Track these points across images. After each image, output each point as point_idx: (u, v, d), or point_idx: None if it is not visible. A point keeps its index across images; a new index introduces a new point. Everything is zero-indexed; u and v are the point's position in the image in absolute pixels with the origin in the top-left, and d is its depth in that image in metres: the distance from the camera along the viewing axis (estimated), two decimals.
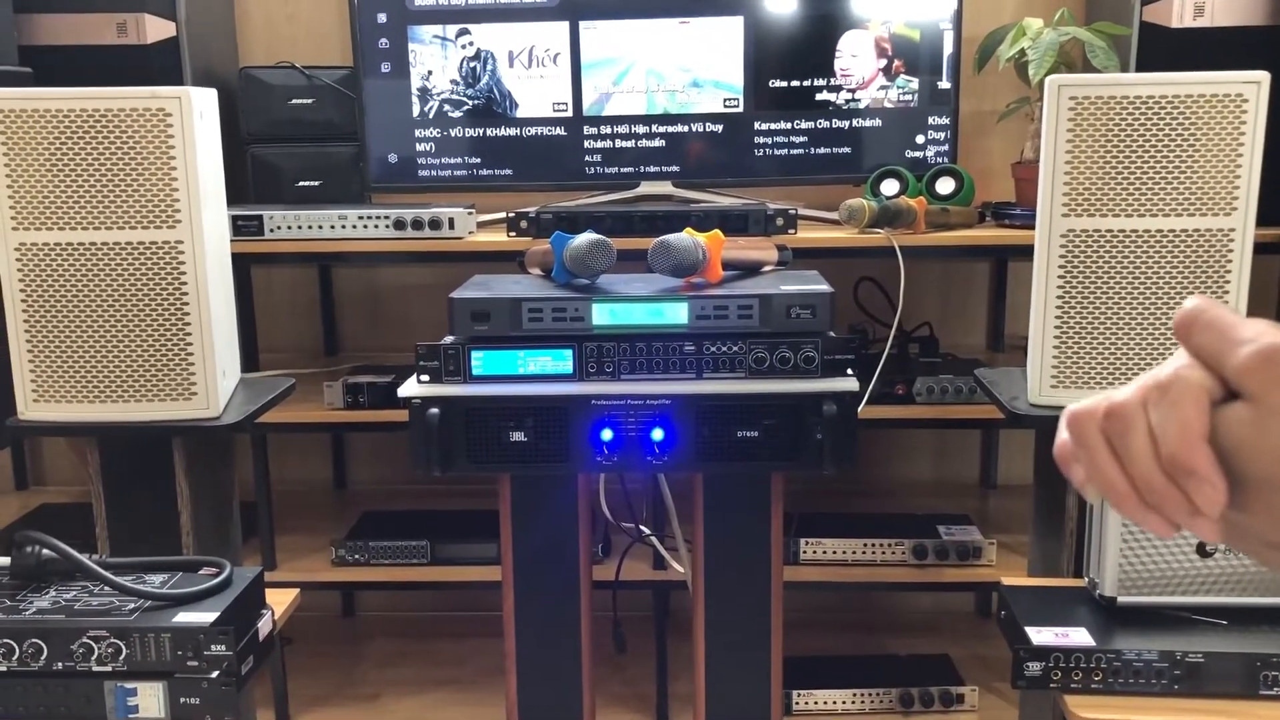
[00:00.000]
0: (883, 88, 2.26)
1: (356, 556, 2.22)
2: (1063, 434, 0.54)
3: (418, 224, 2.08)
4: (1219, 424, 0.48)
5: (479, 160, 2.31)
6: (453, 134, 2.30)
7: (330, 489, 2.73)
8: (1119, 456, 0.50)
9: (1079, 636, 1.39)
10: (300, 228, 2.09)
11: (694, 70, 2.27)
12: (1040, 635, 1.39)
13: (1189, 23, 2.06)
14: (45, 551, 1.41)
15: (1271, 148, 1.56)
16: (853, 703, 2.20)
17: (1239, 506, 0.49)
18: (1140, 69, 2.06)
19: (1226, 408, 0.49)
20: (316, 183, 2.33)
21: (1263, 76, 1.52)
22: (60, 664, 1.30)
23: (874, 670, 2.28)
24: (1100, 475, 0.51)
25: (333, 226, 2.09)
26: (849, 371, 1.48)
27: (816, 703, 2.20)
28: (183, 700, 1.30)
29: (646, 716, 2.30)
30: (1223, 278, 1.56)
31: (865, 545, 2.19)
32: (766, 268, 1.70)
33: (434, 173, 2.31)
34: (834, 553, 2.19)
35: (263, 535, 2.23)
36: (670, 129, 2.29)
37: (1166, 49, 2.06)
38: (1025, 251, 1.69)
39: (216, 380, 1.62)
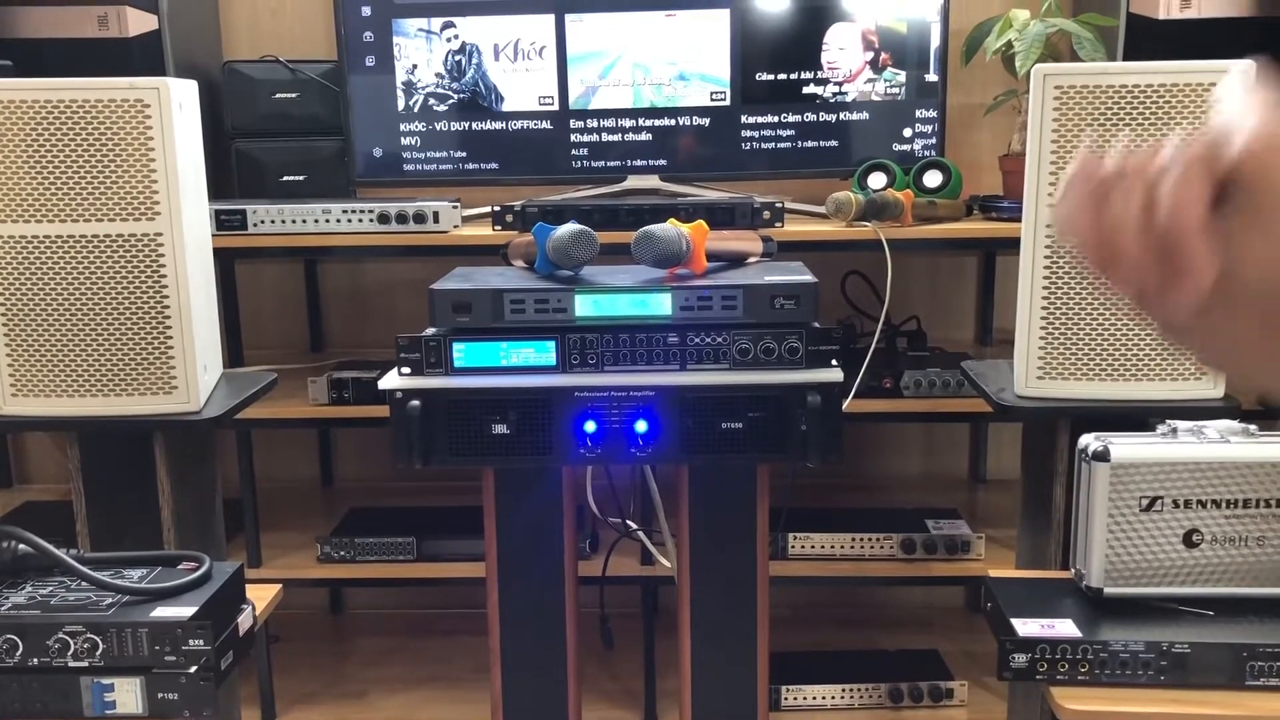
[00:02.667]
0: (870, 81, 2.25)
1: (343, 553, 2.21)
2: (1072, 168, 0.51)
3: (403, 218, 2.07)
4: (1213, 213, 0.46)
5: (464, 154, 2.30)
6: (438, 128, 2.29)
7: (316, 485, 2.72)
8: (1102, 213, 0.48)
9: (1065, 628, 1.38)
10: (284, 222, 2.07)
11: (681, 63, 2.26)
12: (1026, 627, 1.38)
13: (1175, 14, 2.05)
14: (21, 547, 1.39)
15: None
16: (841, 698, 2.19)
17: (1216, 299, 0.46)
18: (1127, 60, 2.06)
19: (1218, 209, 0.46)
20: (301, 177, 2.32)
21: (1248, 65, 1.51)
22: (36, 659, 1.29)
23: (863, 665, 2.28)
24: (1078, 222, 0.50)
25: (317, 221, 2.07)
26: (833, 362, 1.47)
27: (805, 698, 2.19)
28: (160, 695, 1.29)
29: (634, 712, 2.29)
30: None
31: (853, 540, 2.18)
32: (751, 259, 1.69)
33: (419, 167, 2.30)
34: (822, 547, 2.19)
35: (248, 532, 2.22)
36: (657, 122, 2.28)
37: (1153, 40, 2.05)
38: (1013, 244, 1.69)
39: (197, 374, 1.61)
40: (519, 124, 2.28)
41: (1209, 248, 0.45)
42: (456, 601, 2.69)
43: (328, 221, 2.07)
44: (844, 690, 2.19)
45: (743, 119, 2.28)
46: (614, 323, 1.47)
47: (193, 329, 1.59)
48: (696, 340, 1.47)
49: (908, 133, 2.27)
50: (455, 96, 2.28)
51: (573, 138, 2.28)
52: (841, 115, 2.27)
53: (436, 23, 2.25)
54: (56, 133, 1.51)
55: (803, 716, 2.19)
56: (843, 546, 2.19)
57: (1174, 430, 1.46)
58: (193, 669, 1.29)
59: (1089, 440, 1.44)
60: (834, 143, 2.28)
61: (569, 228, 1.53)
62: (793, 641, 2.41)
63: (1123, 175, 0.48)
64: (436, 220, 2.08)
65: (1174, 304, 0.47)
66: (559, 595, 1.64)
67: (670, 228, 1.51)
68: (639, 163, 2.29)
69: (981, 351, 2.48)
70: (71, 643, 1.28)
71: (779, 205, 2.05)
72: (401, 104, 2.28)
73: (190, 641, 1.28)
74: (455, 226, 2.10)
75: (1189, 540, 1.42)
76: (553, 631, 1.65)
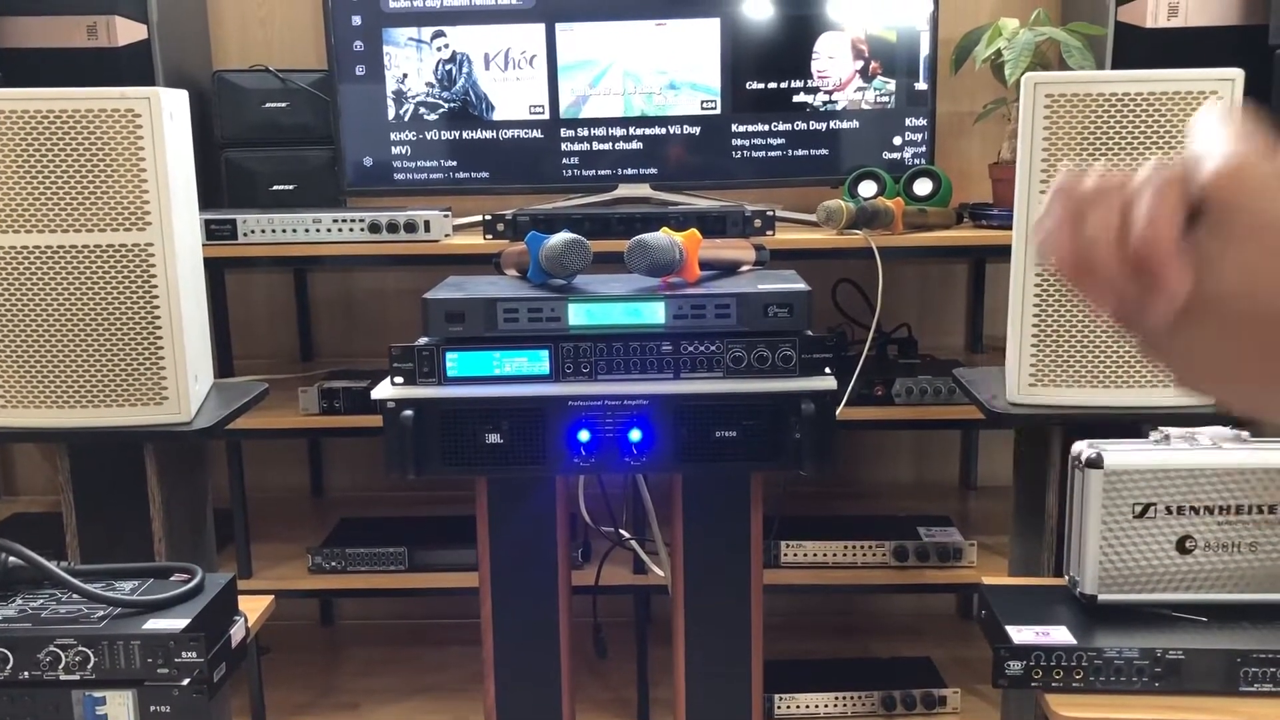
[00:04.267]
0: (860, 89, 2.26)
1: (334, 564, 2.20)
2: (1052, 192, 0.52)
3: (393, 227, 2.07)
4: (1190, 237, 0.47)
5: (455, 163, 2.30)
6: (428, 137, 2.28)
7: (307, 496, 2.71)
8: (1080, 227, 0.49)
9: (1060, 635, 1.38)
10: (275, 231, 2.07)
11: (671, 72, 2.26)
12: (1021, 634, 1.38)
13: (1163, 23, 2.07)
14: (12, 559, 1.38)
15: None
16: (834, 706, 2.19)
17: (1188, 316, 0.47)
18: (1115, 69, 2.07)
19: (1193, 228, 0.47)
20: (291, 187, 2.31)
21: (1236, 73, 1.52)
22: (27, 673, 1.28)
23: (855, 673, 2.27)
24: (1056, 240, 0.50)
25: (307, 230, 2.07)
26: (827, 370, 1.48)
27: (798, 706, 2.18)
28: (153, 709, 1.28)
29: None
30: None
31: (845, 547, 2.18)
32: (744, 267, 1.70)
33: (410, 176, 2.30)
34: (814, 555, 2.19)
35: (238, 543, 2.21)
36: (647, 131, 2.28)
37: (1141, 49, 2.06)
38: (1003, 252, 1.69)
39: (188, 385, 1.60)
40: (510, 133, 2.28)
41: (1182, 264, 0.46)
42: (448, 612, 2.68)
43: (318, 231, 2.07)
44: (837, 698, 2.19)
45: (733, 127, 2.28)
46: (607, 332, 1.47)
47: (184, 339, 1.58)
48: (690, 349, 1.47)
49: (898, 141, 2.28)
50: (446, 106, 2.27)
51: (563, 146, 2.28)
52: (831, 124, 2.28)
53: (427, 32, 2.25)
54: (47, 143, 1.51)
55: None
56: (835, 554, 2.19)
57: (1166, 437, 1.46)
58: (185, 681, 1.28)
59: (1082, 447, 1.45)
60: (824, 151, 2.29)
61: (562, 237, 1.53)
62: (785, 650, 2.40)
63: (1100, 194, 0.49)
64: (427, 229, 2.07)
65: (1150, 318, 0.48)
66: (553, 605, 1.63)
67: (663, 236, 1.51)
68: (630, 171, 2.29)
69: (972, 359, 2.49)
70: (63, 656, 1.27)
71: (770, 213, 2.05)
72: (392, 113, 2.27)
73: (183, 654, 1.28)
74: (446, 235, 2.10)
75: (1182, 547, 1.42)
76: (546, 641, 1.64)
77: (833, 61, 2.25)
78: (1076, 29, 2.07)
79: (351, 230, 2.07)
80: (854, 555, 2.18)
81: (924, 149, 2.27)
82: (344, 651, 2.63)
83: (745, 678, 1.66)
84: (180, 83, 2.09)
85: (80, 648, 1.28)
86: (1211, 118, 0.49)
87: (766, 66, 2.26)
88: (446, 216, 2.10)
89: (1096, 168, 0.52)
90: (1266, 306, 0.46)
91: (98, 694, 1.28)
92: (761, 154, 2.28)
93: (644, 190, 2.28)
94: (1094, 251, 0.48)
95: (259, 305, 2.64)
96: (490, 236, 2.06)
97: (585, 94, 2.27)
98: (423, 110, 2.27)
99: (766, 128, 2.28)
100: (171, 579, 1.41)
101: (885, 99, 2.26)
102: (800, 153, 2.28)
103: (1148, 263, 0.47)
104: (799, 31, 2.25)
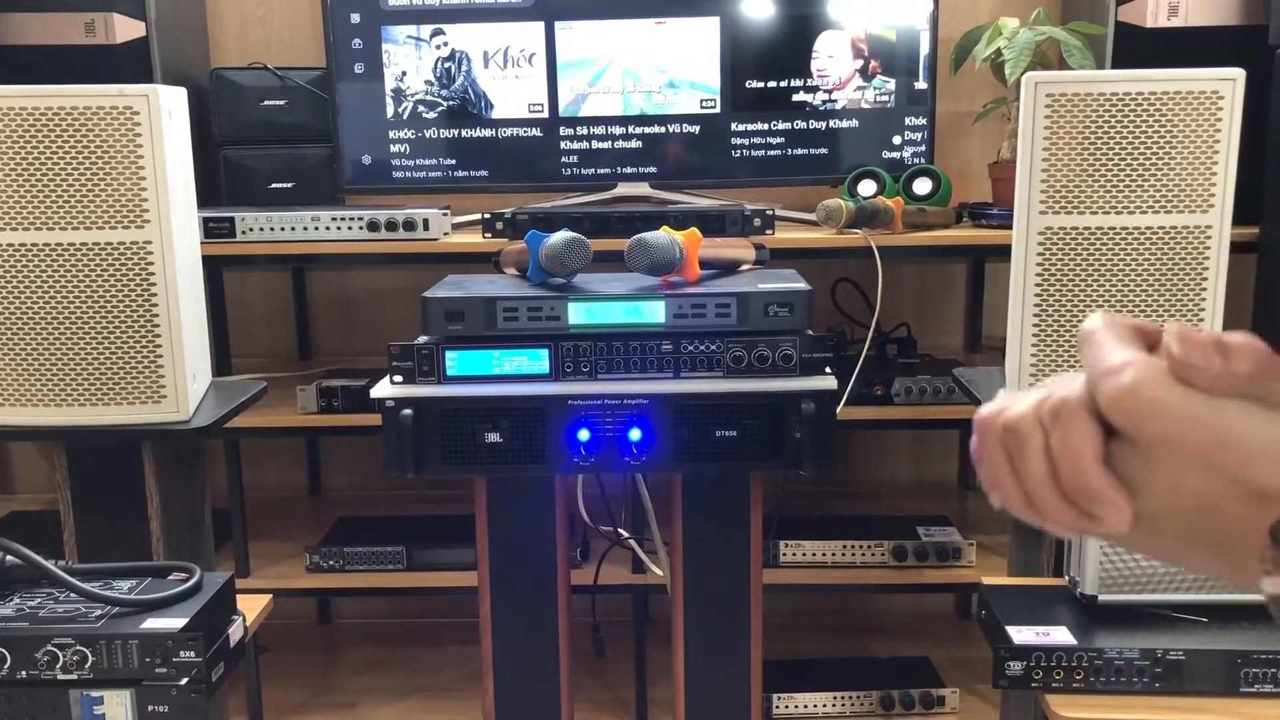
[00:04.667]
0: (859, 88, 2.26)
1: (331, 563, 2.20)
2: (974, 436, 0.54)
3: (392, 225, 2.06)
4: (1109, 455, 0.48)
5: (454, 162, 2.29)
6: (427, 135, 2.28)
7: (305, 495, 2.70)
8: (1015, 469, 0.51)
9: (1060, 635, 1.38)
10: (273, 229, 2.06)
11: (670, 71, 2.26)
12: (1021, 634, 1.38)
13: (1163, 22, 2.06)
14: (9, 558, 1.38)
15: (1246, 146, 1.56)
16: (833, 706, 2.19)
17: (1137, 527, 0.49)
18: (1115, 68, 2.07)
19: (1113, 441, 0.48)
20: (289, 185, 2.31)
21: (1238, 73, 1.52)
22: (24, 672, 1.27)
23: (854, 673, 2.27)
24: (999, 486, 0.52)
25: (306, 228, 2.06)
26: (827, 370, 1.47)
27: (797, 706, 2.18)
28: (151, 708, 1.28)
29: None
30: (1199, 275, 1.56)
31: (844, 547, 2.18)
32: (744, 266, 1.69)
33: (409, 174, 2.29)
34: (813, 555, 2.18)
35: (236, 542, 2.20)
36: (647, 130, 2.28)
37: (1141, 48, 2.06)
38: (1002, 251, 1.69)
39: (186, 383, 1.59)
40: (509, 131, 2.28)
41: (1115, 494, 0.48)
42: (446, 611, 2.68)
43: (316, 229, 2.06)
44: (835, 698, 2.19)
45: (733, 126, 2.28)
46: (607, 330, 1.47)
47: (182, 337, 1.57)
48: (690, 348, 1.46)
49: (897, 140, 2.27)
50: (445, 104, 2.27)
51: (563, 145, 2.28)
52: (831, 123, 2.27)
53: (426, 30, 2.24)
54: (45, 140, 1.50)
55: None
56: (834, 554, 2.18)
57: None
58: (184, 681, 1.28)
59: None
60: (824, 150, 2.28)
61: (562, 235, 1.53)
62: (784, 649, 2.40)
63: (1019, 435, 0.50)
64: (426, 228, 2.07)
65: (1105, 535, 0.50)
66: (551, 604, 1.63)
67: (664, 235, 1.51)
68: (629, 170, 2.29)
69: (971, 358, 2.49)
70: (61, 655, 1.27)
71: (770, 212, 2.05)
72: (390, 111, 2.27)
73: (181, 653, 1.27)
74: (445, 234, 2.09)
75: None
76: (545, 641, 1.64)
77: (832, 60, 2.25)
78: (1076, 28, 2.07)
79: (350, 229, 2.06)
80: (853, 555, 2.18)
81: (923, 148, 2.27)
82: (342, 651, 2.62)
83: (744, 677, 1.66)
84: (178, 80, 2.09)
85: (78, 647, 1.27)
86: (1101, 333, 0.50)
87: (766, 65, 2.25)
88: (445, 215, 2.10)
89: (1002, 396, 0.53)
90: (1202, 511, 0.47)
91: (95, 693, 1.28)
92: (761, 153, 2.28)
93: (643, 189, 2.28)
94: (1035, 496, 0.50)
95: (257, 303, 2.64)
96: (489, 235, 2.06)
97: (585, 92, 2.26)
98: (422, 108, 2.27)
99: (766, 127, 2.27)
100: (169, 578, 1.41)
101: (885, 98, 2.26)
102: (800, 152, 2.28)
103: (1083, 498, 0.49)
104: (799, 30, 2.24)
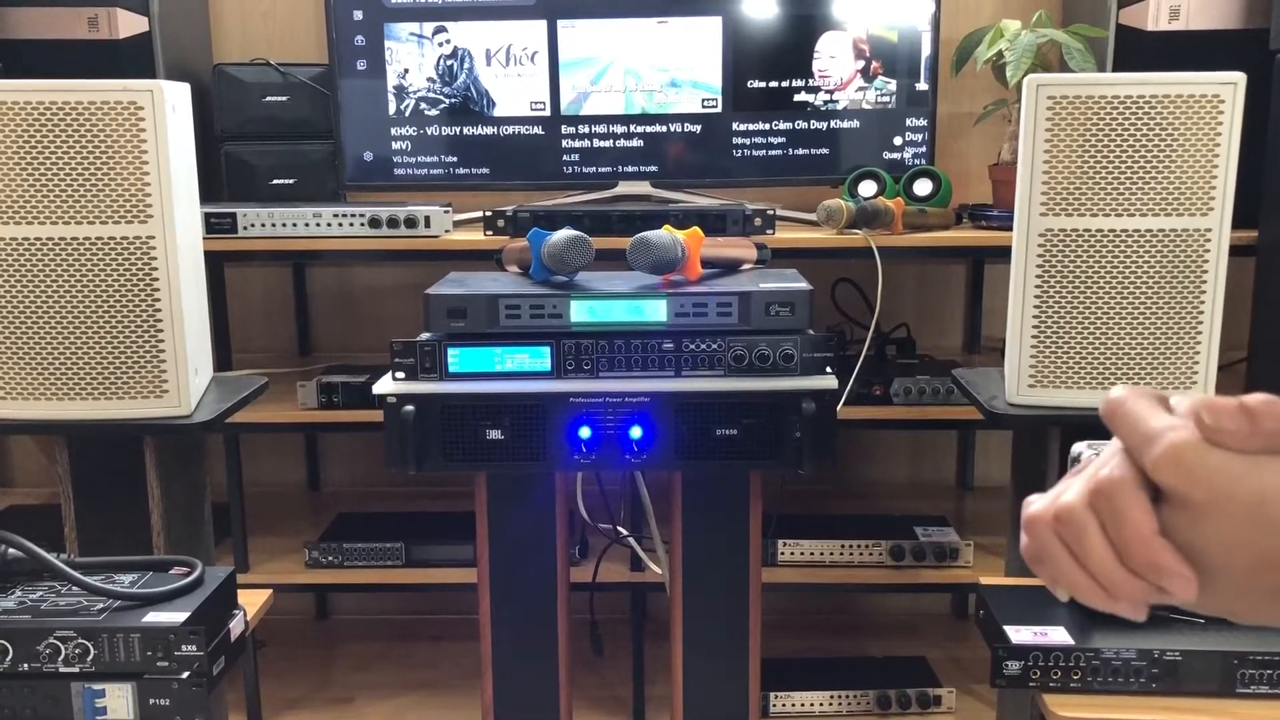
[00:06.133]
0: (860, 89, 2.26)
1: (330, 558, 2.20)
2: (1023, 537, 0.55)
3: (393, 222, 2.07)
4: (1164, 522, 0.50)
5: (456, 159, 2.29)
6: (429, 132, 2.28)
7: (304, 490, 2.71)
8: (1077, 557, 0.52)
9: (1058, 635, 1.38)
10: (274, 226, 2.06)
11: (672, 70, 2.26)
12: (1019, 634, 1.39)
13: (1164, 25, 2.07)
14: (11, 551, 1.38)
15: (1246, 149, 1.57)
16: (830, 704, 2.19)
17: (1201, 589, 0.51)
18: (1117, 71, 2.07)
19: (1163, 507, 0.50)
20: (291, 181, 2.31)
21: (1239, 77, 1.53)
22: (26, 665, 1.28)
23: (851, 672, 2.28)
24: (1064, 577, 0.53)
25: (307, 225, 2.07)
26: (828, 370, 1.48)
27: (794, 705, 2.19)
28: (152, 701, 1.28)
29: (623, 719, 2.28)
30: (1199, 278, 1.57)
31: (842, 547, 2.19)
32: (745, 266, 1.70)
33: (410, 171, 2.29)
34: (811, 554, 2.19)
35: (235, 537, 2.21)
36: (648, 129, 2.28)
37: (1142, 51, 2.07)
38: (1002, 253, 1.69)
39: (188, 378, 1.60)
40: (510, 129, 2.28)
41: (1177, 557, 0.50)
42: (445, 607, 2.68)
43: (318, 225, 2.07)
44: (832, 697, 2.19)
45: (734, 126, 2.28)
46: (609, 329, 1.47)
47: (184, 332, 1.58)
48: (692, 347, 1.47)
49: (898, 141, 2.28)
50: (447, 101, 2.27)
51: (564, 143, 2.28)
52: (832, 123, 2.28)
53: (428, 27, 2.25)
54: (49, 134, 1.50)
55: None
56: (832, 553, 2.19)
57: None
58: (185, 675, 1.28)
59: (1081, 448, 1.45)
60: (825, 150, 2.29)
61: (564, 233, 1.53)
62: (781, 648, 2.41)
63: (1073, 524, 0.52)
64: (428, 225, 2.07)
65: (1180, 601, 0.51)
66: (551, 602, 1.63)
67: (666, 234, 1.51)
68: (630, 169, 2.29)
69: (970, 359, 2.49)
70: (62, 648, 1.27)
71: (770, 212, 2.05)
72: (392, 108, 2.27)
73: (183, 647, 1.28)
74: (446, 231, 2.10)
75: None
76: (544, 638, 1.65)
77: (834, 61, 2.25)
78: (1078, 31, 2.08)
79: (351, 225, 2.07)
80: (850, 554, 2.19)
81: (924, 149, 2.28)
82: (340, 646, 2.63)
83: (742, 675, 1.66)
84: (180, 75, 2.09)
85: (80, 640, 1.28)
86: (1130, 403, 0.52)
87: (768, 65, 2.26)
88: (447, 212, 2.10)
89: (1047, 495, 0.54)
90: (1258, 565, 0.49)
91: (97, 686, 1.28)
92: (762, 153, 2.28)
93: (644, 188, 2.28)
94: (1104, 577, 0.52)
95: (258, 299, 2.64)
96: (491, 232, 2.06)
97: (586, 91, 2.27)
98: (424, 105, 2.27)
99: (767, 126, 2.28)
100: (170, 572, 1.41)
101: (886, 99, 2.26)
102: (800, 152, 2.28)
103: (1152, 573, 0.50)
104: (800, 31, 2.25)
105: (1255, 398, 0.49)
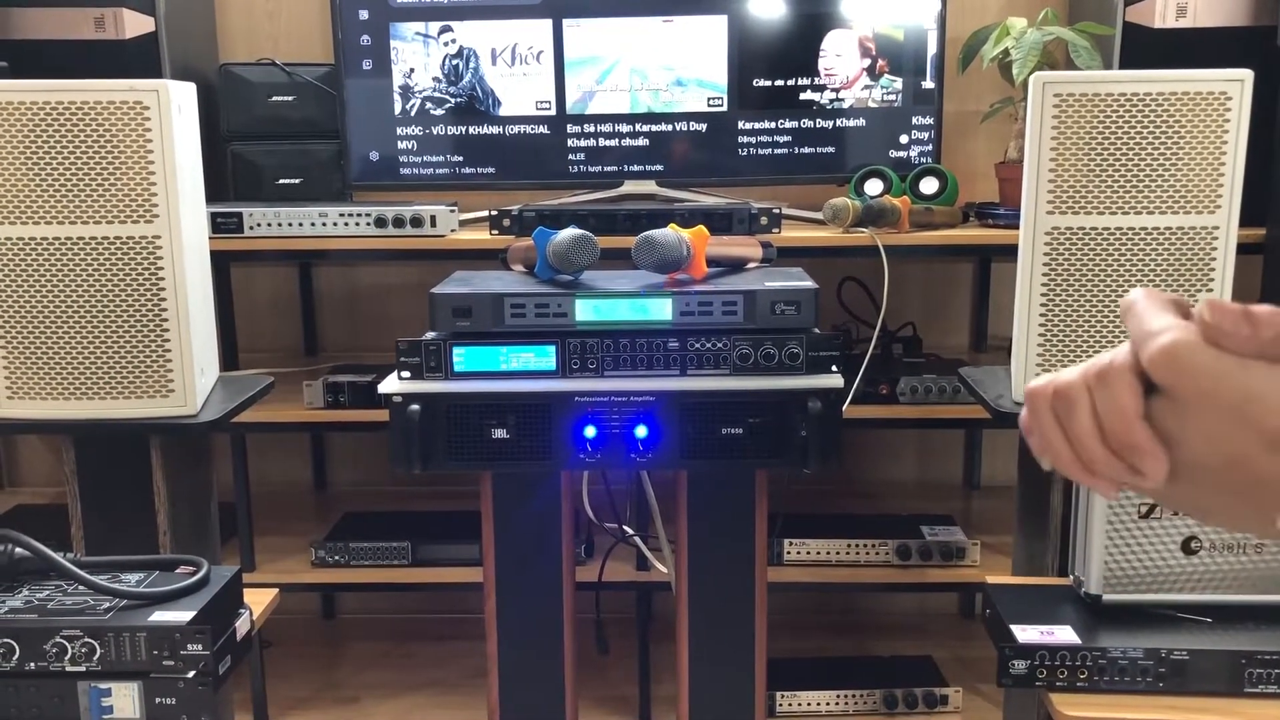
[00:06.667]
0: (866, 87, 2.26)
1: (337, 558, 2.20)
2: (1024, 408, 0.60)
3: (399, 221, 2.07)
4: (1150, 411, 0.54)
5: (461, 159, 2.29)
6: (435, 132, 2.28)
7: (310, 490, 2.71)
8: (1065, 431, 0.57)
9: (1064, 634, 1.38)
10: (280, 225, 2.07)
11: (678, 69, 2.26)
12: (1026, 633, 1.38)
13: (1171, 23, 2.06)
14: (18, 550, 1.38)
15: (1254, 147, 1.56)
16: (836, 704, 2.19)
17: (1174, 478, 0.54)
18: (1123, 69, 2.06)
19: (1154, 399, 0.54)
20: (297, 180, 2.31)
21: (1246, 74, 1.52)
22: (33, 664, 1.28)
23: (857, 671, 2.28)
24: (1050, 447, 0.58)
25: (313, 224, 2.07)
26: (834, 368, 1.47)
27: (800, 704, 2.19)
28: (158, 700, 1.28)
29: (629, 718, 2.28)
30: (1206, 276, 1.56)
31: (848, 546, 2.18)
32: (751, 264, 1.70)
33: (416, 171, 2.30)
34: (817, 553, 2.19)
35: (242, 536, 2.21)
36: (654, 128, 2.28)
37: (1149, 49, 2.06)
38: (1009, 251, 1.69)
39: (194, 378, 1.60)
40: (516, 128, 2.28)
41: (1154, 446, 0.54)
42: (451, 607, 2.68)
43: (324, 225, 2.07)
44: (838, 696, 2.19)
45: (739, 125, 2.28)
46: (614, 328, 1.47)
47: (190, 332, 1.58)
48: (697, 345, 1.47)
49: (904, 139, 2.28)
50: (452, 101, 2.27)
51: (570, 142, 2.28)
52: (838, 122, 2.27)
53: (434, 27, 2.25)
54: (55, 134, 1.51)
55: None
56: (838, 553, 2.19)
57: None
58: (191, 674, 1.28)
59: None
60: (831, 149, 2.28)
61: (569, 232, 1.53)
62: (787, 647, 2.40)
63: (1069, 396, 0.56)
64: (433, 224, 2.07)
65: (1145, 488, 0.56)
66: (556, 601, 1.63)
67: (671, 233, 1.51)
68: (635, 168, 2.29)
69: (976, 358, 2.49)
70: (69, 647, 1.28)
71: (776, 211, 2.05)
72: (398, 108, 2.27)
73: (189, 646, 1.28)
74: (452, 230, 2.10)
75: (1187, 547, 1.42)
76: (549, 637, 1.65)
77: (840, 59, 2.25)
78: (1084, 29, 2.07)
79: (357, 224, 2.07)
80: (857, 554, 2.18)
81: (930, 147, 2.27)
82: (346, 645, 2.63)
83: (748, 674, 1.66)
84: (187, 76, 2.10)
85: (86, 639, 1.28)
86: (1142, 303, 0.56)
87: (773, 64, 2.26)
88: (453, 211, 2.10)
89: (1050, 373, 0.59)
90: (1232, 461, 0.52)
91: (103, 685, 1.28)
92: (768, 151, 2.28)
93: (649, 187, 2.28)
94: (1084, 451, 0.56)
95: (264, 299, 2.64)
96: (496, 232, 2.06)
97: (592, 90, 2.27)
98: (429, 105, 2.27)
99: (773, 125, 2.27)
100: (177, 571, 1.41)
101: (892, 97, 2.26)
102: (806, 150, 2.28)
103: (1127, 451, 0.55)
104: (806, 29, 2.24)
105: (1260, 306, 0.51)
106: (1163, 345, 0.52)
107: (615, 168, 2.29)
